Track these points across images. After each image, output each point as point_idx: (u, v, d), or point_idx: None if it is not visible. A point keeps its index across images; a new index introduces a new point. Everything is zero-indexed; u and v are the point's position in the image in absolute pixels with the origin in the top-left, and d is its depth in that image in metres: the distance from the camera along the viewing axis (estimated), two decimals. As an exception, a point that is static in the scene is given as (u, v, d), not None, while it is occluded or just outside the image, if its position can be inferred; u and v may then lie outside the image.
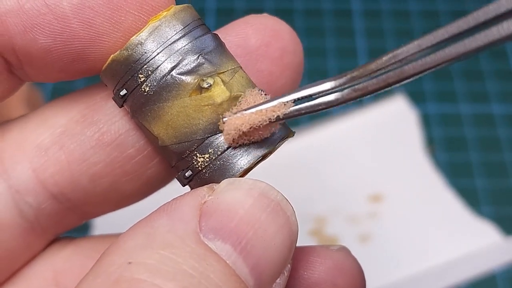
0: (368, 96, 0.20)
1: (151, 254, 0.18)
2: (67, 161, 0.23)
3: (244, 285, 0.18)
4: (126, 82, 0.21)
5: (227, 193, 0.19)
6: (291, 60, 0.24)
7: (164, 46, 0.21)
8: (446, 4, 0.73)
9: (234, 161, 0.21)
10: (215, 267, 0.18)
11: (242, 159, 0.21)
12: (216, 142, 0.21)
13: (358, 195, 0.57)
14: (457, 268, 0.53)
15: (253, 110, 0.21)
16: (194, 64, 0.21)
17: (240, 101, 0.21)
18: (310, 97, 0.20)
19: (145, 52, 0.21)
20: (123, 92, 0.21)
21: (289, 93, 0.21)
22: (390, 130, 0.62)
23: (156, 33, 0.21)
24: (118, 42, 0.21)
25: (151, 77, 0.21)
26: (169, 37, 0.21)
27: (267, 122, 0.21)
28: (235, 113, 0.21)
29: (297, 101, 0.21)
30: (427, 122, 0.63)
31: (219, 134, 0.21)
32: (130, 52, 0.21)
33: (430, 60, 0.18)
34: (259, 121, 0.20)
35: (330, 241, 0.54)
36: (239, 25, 0.24)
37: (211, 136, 0.21)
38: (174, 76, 0.21)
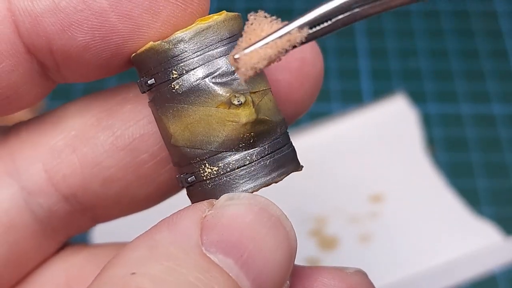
0: (390, 10, 0.18)
1: (154, 265, 0.18)
2: (79, 164, 0.23)
3: None
4: (157, 73, 0.21)
5: (228, 208, 0.19)
6: (311, 71, 0.24)
7: (206, 50, 0.21)
8: (447, 3, 0.73)
9: (240, 182, 0.21)
10: (219, 279, 0.18)
11: (248, 182, 0.21)
12: (228, 159, 0.21)
13: (358, 195, 0.57)
14: (457, 268, 0.53)
15: (266, 41, 0.18)
16: (230, 77, 0.20)
17: (246, 32, 0.20)
18: (324, 19, 0.18)
19: (186, 51, 0.21)
20: (151, 81, 0.21)
21: (301, 17, 0.19)
22: (390, 130, 0.62)
23: (201, 35, 0.21)
24: (158, 33, 0.21)
25: (184, 76, 0.21)
26: (213, 42, 0.21)
27: (284, 53, 0.19)
28: (245, 48, 0.19)
29: (311, 25, 0.18)
30: (427, 122, 0.63)
31: (233, 152, 0.21)
32: (170, 46, 0.21)
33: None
34: (276, 54, 0.19)
35: (331, 241, 0.54)
36: None
37: (225, 151, 0.21)
38: (207, 83, 0.20)
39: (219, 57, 0.21)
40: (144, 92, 0.22)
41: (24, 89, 0.22)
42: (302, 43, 0.19)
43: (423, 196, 0.57)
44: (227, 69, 0.20)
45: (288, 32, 0.18)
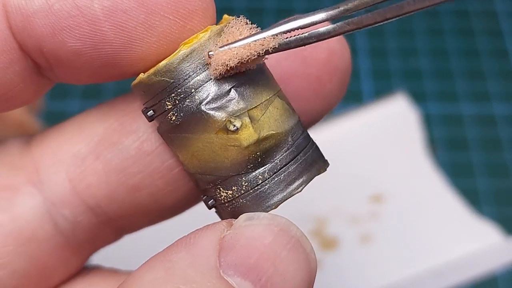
0: (362, 29, 0.19)
1: None
2: (104, 171, 0.22)
3: None
4: (154, 105, 0.20)
5: (246, 229, 0.19)
6: (339, 62, 0.23)
7: (194, 76, 0.20)
8: (447, 3, 0.73)
9: (257, 201, 0.20)
10: None
11: (265, 201, 0.20)
12: (240, 182, 0.20)
13: (359, 195, 0.57)
14: (458, 268, 0.53)
15: (241, 43, 0.19)
16: (225, 100, 0.19)
17: (225, 32, 0.20)
18: (300, 30, 0.19)
19: (174, 81, 0.20)
20: (150, 113, 0.20)
21: (278, 25, 0.19)
22: (391, 130, 0.62)
23: (186, 61, 0.20)
24: (152, 48, 0.20)
25: (178, 106, 0.20)
26: (200, 66, 0.20)
27: (256, 56, 0.19)
28: (222, 46, 0.19)
29: (287, 34, 0.19)
30: (428, 122, 0.63)
31: (244, 174, 0.20)
32: (158, 78, 0.20)
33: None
34: (248, 56, 0.19)
35: (331, 242, 0.54)
36: None
37: (236, 175, 0.20)
38: (202, 110, 0.19)
39: (210, 80, 0.20)
40: (150, 121, 0.21)
41: (20, 86, 0.21)
42: (275, 49, 0.19)
43: (423, 196, 0.57)
44: (219, 91, 0.20)
45: (263, 38, 0.19)
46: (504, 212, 0.57)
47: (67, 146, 0.23)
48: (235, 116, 0.19)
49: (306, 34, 0.19)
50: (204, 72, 0.20)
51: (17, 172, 0.23)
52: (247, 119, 0.20)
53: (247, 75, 0.20)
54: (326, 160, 0.22)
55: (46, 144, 0.23)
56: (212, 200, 0.21)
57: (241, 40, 0.19)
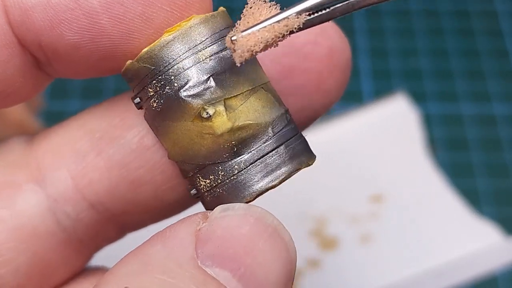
0: (387, 1, 0.18)
1: (148, 279, 0.17)
2: (106, 167, 0.22)
3: None
4: (139, 92, 0.21)
5: (222, 220, 0.19)
6: (340, 59, 0.23)
7: (174, 63, 0.20)
8: (447, 3, 0.73)
9: (233, 192, 0.20)
10: None
11: (241, 192, 0.20)
12: (217, 171, 0.20)
13: (358, 195, 0.57)
14: (458, 268, 0.52)
15: (263, 25, 0.18)
16: (202, 87, 0.19)
17: (245, 14, 0.19)
18: (322, 6, 0.18)
19: (154, 67, 0.20)
20: (137, 100, 0.21)
21: (300, 2, 0.19)
22: (391, 130, 0.62)
23: (167, 48, 0.20)
24: (150, 39, 0.20)
25: (158, 93, 0.20)
26: (180, 53, 0.20)
27: (281, 38, 0.19)
28: (243, 30, 0.19)
29: (310, 11, 0.19)
30: (428, 122, 0.62)
31: (220, 163, 0.20)
32: (140, 65, 0.20)
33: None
34: (272, 39, 0.18)
35: (331, 242, 0.54)
36: None
37: (212, 163, 0.20)
38: (179, 97, 0.20)
39: (189, 68, 0.19)
40: (139, 109, 0.21)
41: (20, 82, 0.21)
42: (300, 28, 0.19)
43: (423, 196, 0.57)
44: (198, 79, 0.19)
45: (286, 17, 0.18)
46: (504, 212, 0.57)
47: (69, 143, 0.23)
48: (209, 104, 0.19)
49: (330, 9, 0.18)
50: (185, 60, 0.20)
51: (19, 170, 0.23)
52: (221, 107, 0.19)
53: (232, 63, 0.20)
54: (313, 155, 0.21)
55: (48, 142, 0.23)
56: (194, 189, 0.21)
57: (263, 22, 0.19)
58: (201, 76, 0.20)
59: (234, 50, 0.19)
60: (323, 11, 0.18)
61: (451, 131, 0.63)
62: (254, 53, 0.19)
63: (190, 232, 0.18)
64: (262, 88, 0.20)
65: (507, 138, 0.62)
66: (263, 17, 0.19)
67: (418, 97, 0.64)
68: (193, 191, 0.21)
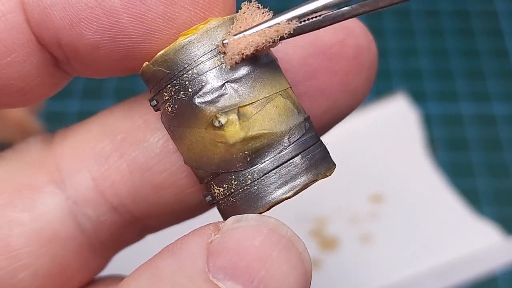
0: (378, 11, 0.18)
1: None
2: (128, 169, 0.22)
3: None
4: (155, 95, 0.20)
5: (234, 231, 0.18)
6: (367, 58, 0.23)
7: (190, 67, 0.19)
8: (447, 3, 0.73)
9: (247, 202, 0.19)
10: None
11: (254, 202, 0.19)
12: (229, 180, 0.19)
13: (358, 195, 0.57)
14: (458, 268, 0.52)
15: (255, 30, 0.19)
16: (217, 94, 0.19)
17: (238, 19, 0.19)
18: (313, 14, 0.19)
19: (169, 72, 0.19)
20: (153, 103, 0.20)
21: (292, 10, 0.19)
22: (391, 130, 0.62)
23: (183, 51, 0.19)
24: (171, 40, 0.19)
25: (173, 98, 0.19)
26: (196, 57, 0.19)
27: (271, 43, 0.19)
28: (236, 34, 0.19)
29: (301, 18, 0.19)
30: (428, 122, 0.62)
31: (233, 172, 0.19)
32: (156, 68, 0.19)
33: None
34: (263, 43, 0.19)
35: (331, 242, 0.54)
36: None
37: (225, 172, 0.19)
38: (193, 103, 0.19)
39: (204, 73, 0.19)
40: (157, 111, 0.21)
41: (38, 80, 0.21)
42: (290, 34, 0.19)
43: (423, 196, 0.57)
44: (213, 85, 0.19)
45: (277, 23, 0.19)
46: (504, 212, 0.57)
47: (90, 144, 0.22)
48: (222, 112, 0.19)
49: (320, 17, 0.19)
50: (201, 65, 0.19)
51: (39, 171, 0.22)
52: (234, 116, 0.19)
53: (249, 70, 0.19)
54: (332, 164, 0.21)
55: (68, 143, 0.23)
56: (209, 196, 0.20)
57: (255, 27, 0.19)
58: (216, 82, 0.19)
59: (225, 53, 0.19)
60: (314, 19, 0.19)
61: (451, 131, 0.63)
62: (244, 56, 0.19)
63: (201, 244, 0.18)
64: (280, 95, 0.20)
65: (507, 138, 0.62)
66: (256, 23, 0.19)
67: (418, 97, 0.64)
68: (209, 198, 0.20)
